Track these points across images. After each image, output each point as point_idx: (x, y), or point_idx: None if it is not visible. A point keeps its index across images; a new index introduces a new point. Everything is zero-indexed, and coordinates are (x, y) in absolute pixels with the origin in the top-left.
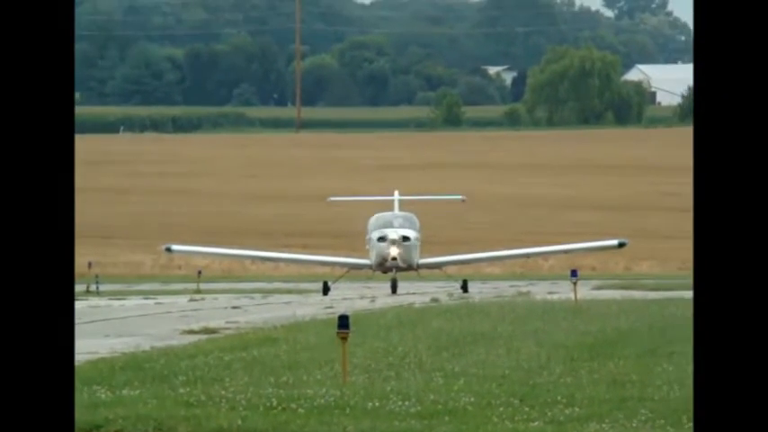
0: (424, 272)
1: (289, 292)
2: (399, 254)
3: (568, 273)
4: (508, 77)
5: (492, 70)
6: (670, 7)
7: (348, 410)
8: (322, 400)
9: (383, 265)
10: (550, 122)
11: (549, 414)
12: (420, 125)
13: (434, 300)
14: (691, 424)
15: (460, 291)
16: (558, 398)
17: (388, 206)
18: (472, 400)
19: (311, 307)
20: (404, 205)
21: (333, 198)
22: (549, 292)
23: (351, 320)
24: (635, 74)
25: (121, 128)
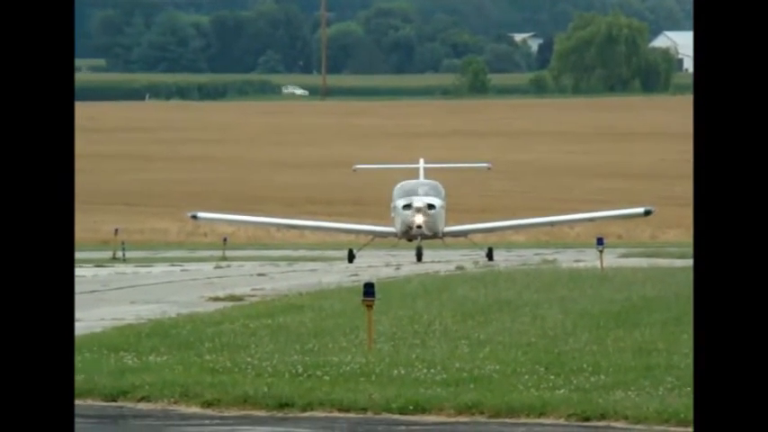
0: (449, 240)
1: (314, 259)
2: (424, 222)
3: (594, 241)
4: (534, 44)
5: (518, 37)
6: None
7: (373, 378)
8: (347, 368)
9: (408, 233)
10: (577, 90)
11: (575, 382)
12: (446, 93)
13: (459, 267)
14: None
15: (486, 259)
16: (584, 366)
17: (413, 174)
18: (497, 367)
19: (336, 274)
20: (429, 173)
21: (358, 166)
22: (575, 260)
23: (376, 288)
24: (662, 41)
25: (147, 95)
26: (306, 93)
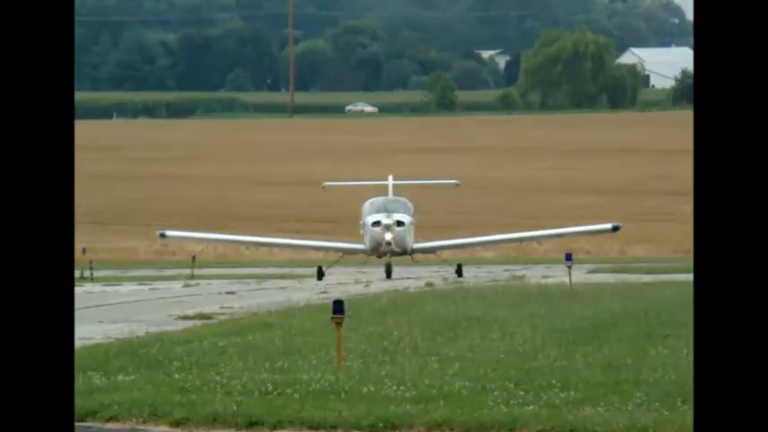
0: (418, 256)
1: (283, 277)
2: (393, 238)
3: (563, 256)
4: (502, 61)
5: (485, 54)
6: None
7: (343, 395)
8: (317, 385)
9: (377, 250)
10: (544, 106)
11: (545, 398)
12: (414, 109)
13: (429, 284)
14: (685, 407)
15: (455, 275)
16: (553, 381)
17: (382, 191)
18: (467, 384)
19: (306, 292)
20: (398, 190)
21: (327, 183)
22: (544, 276)
23: (345, 305)
24: (628, 57)
25: (114, 113)
26: (376, 110)
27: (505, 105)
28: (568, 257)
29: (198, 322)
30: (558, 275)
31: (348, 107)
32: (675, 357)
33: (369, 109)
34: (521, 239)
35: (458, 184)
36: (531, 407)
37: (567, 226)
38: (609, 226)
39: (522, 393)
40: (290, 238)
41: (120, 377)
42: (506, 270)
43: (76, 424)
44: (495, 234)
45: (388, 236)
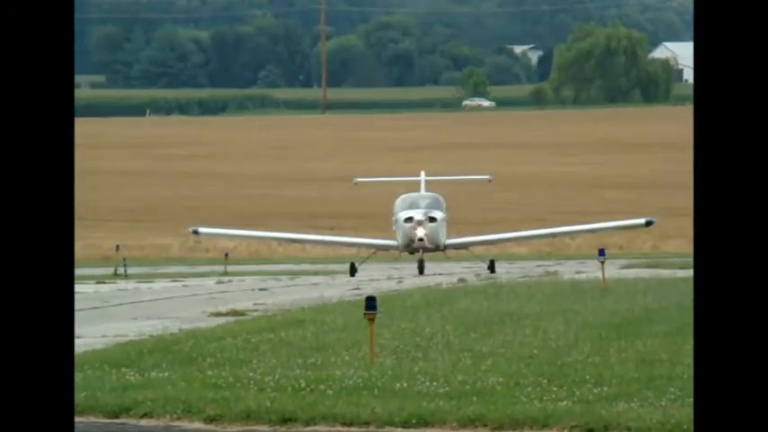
0: (450, 252)
1: (316, 273)
2: (426, 234)
3: (596, 252)
4: (534, 56)
5: (518, 49)
6: None
7: (376, 391)
8: (350, 382)
9: (410, 246)
10: (577, 101)
11: (578, 393)
12: (446, 105)
13: (461, 280)
14: None
15: (487, 271)
16: (587, 377)
17: (414, 187)
18: (500, 380)
19: (338, 288)
20: (430, 186)
21: (359, 179)
22: (577, 272)
23: (378, 301)
24: (662, 51)
25: (148, 111)
26: (493, 104)
27: (538, 101)
28: (601, 253)
29: (231, 319)
30: (590, 271)
31: (465, 102)
32: None
33: (486, 104)
34: (553, 235)
35: (490, 180)
36: (565, 402)
37: (600, 221)
38: (642, 221)
39: (555, 389)
40: (323, 234)
41: (153, 374)
42: (539, 266)
43: (111, 421)
44: (527, 230)
45: (421, 232)
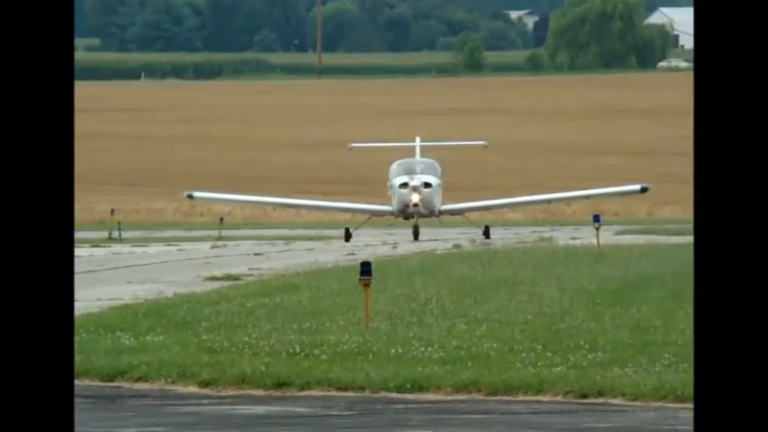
0: (445, 218)
1: (311, 238)
2: (421, 200)
3: (591, 218)
4: (530, 22)
5: (514, 15)
6: None
7: (371, 356)
8: (345, 347)
9: (405, 212)
10: (572, 67)
11: (572, 359)
12: (441, 71)
13: (456, 246)
14: None
15: (482, 237)
16: (581, 343)
17: (409, 152)
18: (495, 345)
19: (333, 253)
20: (425, 151)
21: (354, 144)
22: (572, 238)
23: (373, 267)
24: (658, 17)
25: (142, 74)
26: (689, 64)
27: (534, 66)
28: (596, 219)
29: (226, 283)
30: (586, 237)
31: (660, 63)
32: None
33: (683, 65)
34: (548, 201)
35: (486, 146)
36: (559, 368)
37: (596, 187)
38: (637, 187)
39: (549, 355)
40: (318, 199)
41: (148, 338)
42: (534, 231)
43: (106, 384)
44: (522, 196)
45: (416, 197)
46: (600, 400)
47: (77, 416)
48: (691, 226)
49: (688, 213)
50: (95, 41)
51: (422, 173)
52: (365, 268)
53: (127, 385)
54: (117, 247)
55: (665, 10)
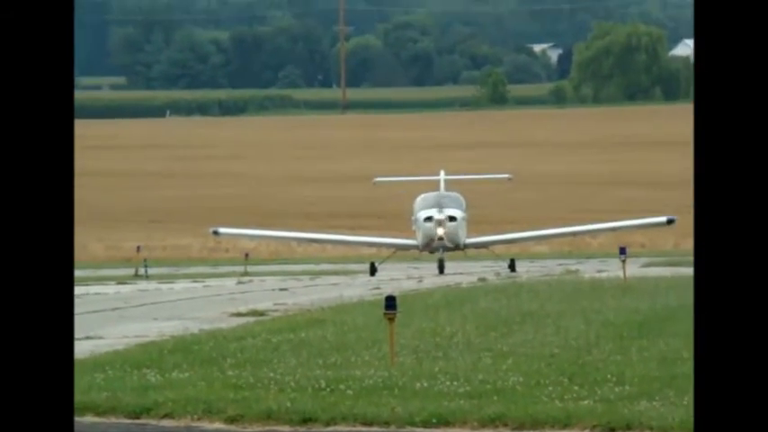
0: (470, 251)
1: (336, 273)
2: (446, 234)
3: (617, 250)
4: (554, 55)
5: (537, 48)
6: None
7: (396, 391)
8: (370, 381)
9: (430, 246)
10: (597, 99)
11: (599, 392)
12: (465, 104)
13: (482, 279)
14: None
15: (508, 270)
16: (608, 376)
17: (434, 186)
18: (521, 379)
19: (358, 288)
20: (450, 185)
21: (379, 179)
22: (598, 270)
23: (398, 301)
24: (682, 49)
25: (168, 111)
26: None
27: (558, 99)
28: (622, 251)
29: (251, 319)
30: (612, 269)
31: None
32: None
33: None
34: (574, 233)
35: (510, 179)
36: (586, 402)
37: (622, 219)
38: (663, 219)
39: (576, 388)
40: (343, 234)
41: (174, 374)
42: (560, 264)
43: (132, 421)
44: (548, 228)
45: (441, 231)
46: None
47: None
48: None
49: None
50: (121, 80)
51: (446, 206)
52: (390, 302)
53: (153, 422)
54: (143, 284)
55: (690, 41)
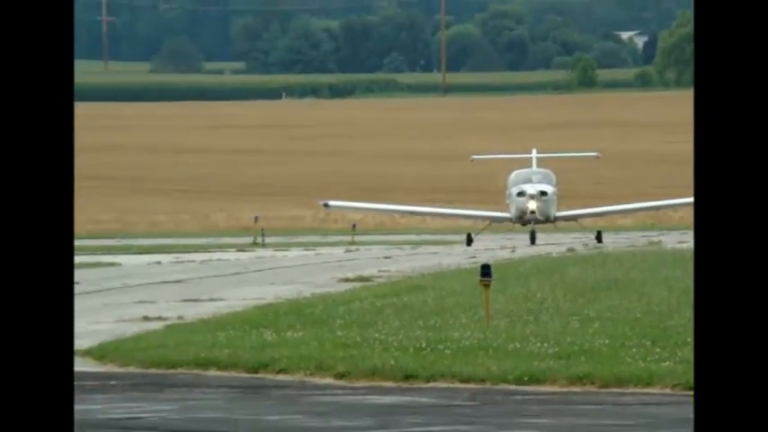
0: (560, 224)
1: (435, 243)
2: (537, 207)
3: None
4: (640, 42)
5: (624, 35)
6: None
7: (491, 351)
8: (467, 342)
9: (522, 218)
10: (679, 83)
11: (680, 354)
12: (557, 88)
13: (570, 249)
14: None
15: (595, 241)
16: (688, 339)
17: (527, 163)
18: (606, 341)
19: (456, 257)
20: (541, 162)
21: (476, 156)
22: (679, 242)
23: (492, 269)
24: None
25: (283, 94)
26: None
27: (643, 83)
28: None
29: (358, 284)
30: (692, 241)
31: None
32: None
33: None
34: (657, 207)
35: (598, 157)
36: (667, 363)
37: None
38: None
39: (658, 350)
40: (442, 207)
41: (288, 334)
42: (643, 236)
43: (251, 376)
44: (632, 203)
45: (533, 205)
46: None
47: (226, 404)
48: None
49: None
50: (241, 65)
51: (538, 182)
52: (485, 270)
53: (270, 377)
54: (260, 252)
55: None
